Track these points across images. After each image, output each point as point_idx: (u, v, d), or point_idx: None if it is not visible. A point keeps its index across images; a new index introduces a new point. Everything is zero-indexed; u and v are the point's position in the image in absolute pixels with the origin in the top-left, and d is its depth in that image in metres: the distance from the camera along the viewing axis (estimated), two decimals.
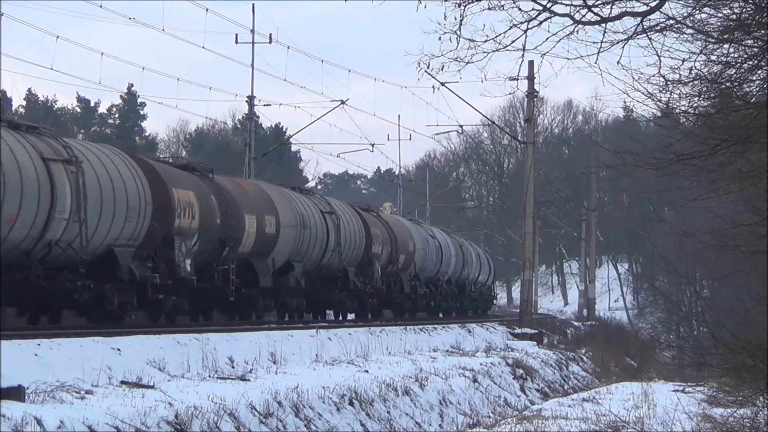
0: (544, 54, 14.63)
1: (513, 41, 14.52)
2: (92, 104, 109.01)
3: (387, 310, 48.56)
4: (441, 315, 56.01)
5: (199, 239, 29.35)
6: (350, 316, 44.56)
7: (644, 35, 14.40)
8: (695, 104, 15.59)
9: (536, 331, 47.85)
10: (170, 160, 32.70)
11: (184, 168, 31.10)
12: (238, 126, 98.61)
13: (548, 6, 14.21)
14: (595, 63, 14.69)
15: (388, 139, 78.59)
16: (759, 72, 14.83)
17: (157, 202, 27.18)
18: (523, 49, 14.73)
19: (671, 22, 14.38)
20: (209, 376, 20.95)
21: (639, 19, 14.28)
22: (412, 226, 52.55)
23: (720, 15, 14.53)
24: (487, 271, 68.96)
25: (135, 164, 27.31)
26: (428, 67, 15.09)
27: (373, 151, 67.14)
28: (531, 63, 45.20)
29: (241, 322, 33.53)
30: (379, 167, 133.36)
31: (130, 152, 31.22)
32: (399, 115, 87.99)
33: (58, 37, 47.96)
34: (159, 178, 27.88)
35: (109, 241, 25.38)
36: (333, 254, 38.97)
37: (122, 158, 26.96)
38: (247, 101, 53.26)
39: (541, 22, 14.32)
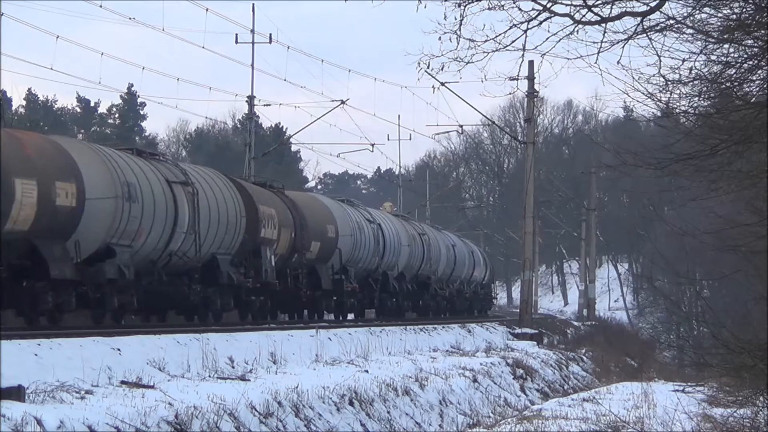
0: (544, 54, 14.68)
1: (513, 41, 14.57)
2: (92, 104, 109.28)
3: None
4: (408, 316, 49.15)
5: None
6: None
7: (644, 35, 14.43)
8: (695, 104, 15.63)
9: (536, 331, 47.85)
10: None
11: None
12: (238, 126, 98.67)
13: (548, 6, 14.23)
14: (595, 63, 14.74)
15: (388, 139, 78.48)
16: (759, 72, 14.85)
17: None
18: (523, 49, 14.77)
19: (671, 22, 14.41)
20: (209, 376, 20.95)
21: (639, 19, 14.30)
22: (336, 208, 42.72)
23: (720, 15, 14.55)
24: (471, 266, 64.09)
25: None
26: (428, 67, 15.13)
27: (373, 151, 67.08)
28: (531, 63, 45.22)
29: (241, 322, 33.31)
30: (379, 167, 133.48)
31: None
32: (399, 115, 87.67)
33: (58, 37, 48.01)
34: None
35: None
36: (187, 238, 29.53)
37: None
38: (247, 101, 53.29)
39: (541, 22, 14.35)
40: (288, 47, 54.20)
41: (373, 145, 66.33)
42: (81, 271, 25.25)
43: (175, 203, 29.09)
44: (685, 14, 14.45)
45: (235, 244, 32.34)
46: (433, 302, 55.56)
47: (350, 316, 44.28)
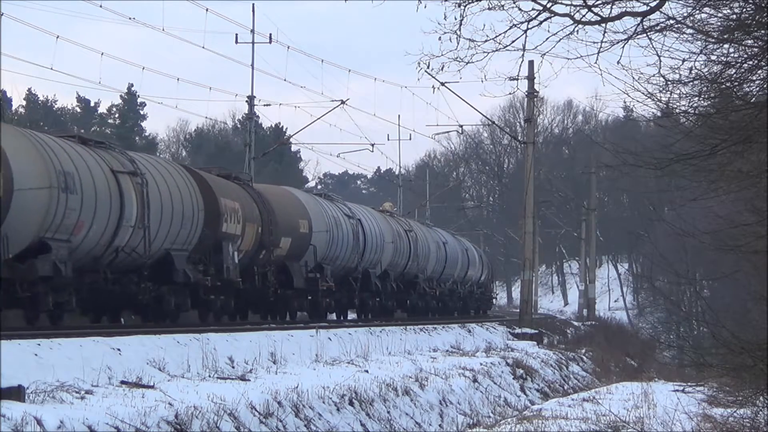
0: (544, 54, 14.68)
1: (513, 41, 14.57)
2: (92, 104, 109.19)
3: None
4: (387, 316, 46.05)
5: None
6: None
7: (644, 35, 14.43)
8: (695, 104, 15.62)
9: (536, 331, 47.87)
10: None
11: None
12: (238, 126, 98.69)
13: (548, 6, 14.23)
14: (595, 63, 14.75)
15: (388, 139, 78.66)
16: (759, 72, 14.85)
17: None
18: (523, 49, 14.77)
19: (671, 22, 14.41)
20: (209, 376, 20.95)
21: (639, 19, 14.30)
22: (310, 201, 40.12)
23: (720, 15, 14.55)
24: (465, 265, 62.43)
25: None
26: (428, 67, 15.13)
27: (373, 151, 67.06)
28: (531, 63, 45.32)
29: (241, 322, 33.26)
30: (379, 167, 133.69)
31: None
32: (399, 115, 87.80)
33: (58, 37, 48.09)
34: None
35: None
36: (135, 232, 27.22)
37: None
38: (247, 101, 53.29)
39: (541, 22, 14.35)
40: (288, 47, 54.27)
41: (373, 145, 66.32)
42: (11, 268, 22.99)
43: (120, 195, 26.74)
44: (685, 14, 14.46)
45: (192, 239, 29.93)
46: (422, 302, 53.44)
47: (332, 317, 43.36)
